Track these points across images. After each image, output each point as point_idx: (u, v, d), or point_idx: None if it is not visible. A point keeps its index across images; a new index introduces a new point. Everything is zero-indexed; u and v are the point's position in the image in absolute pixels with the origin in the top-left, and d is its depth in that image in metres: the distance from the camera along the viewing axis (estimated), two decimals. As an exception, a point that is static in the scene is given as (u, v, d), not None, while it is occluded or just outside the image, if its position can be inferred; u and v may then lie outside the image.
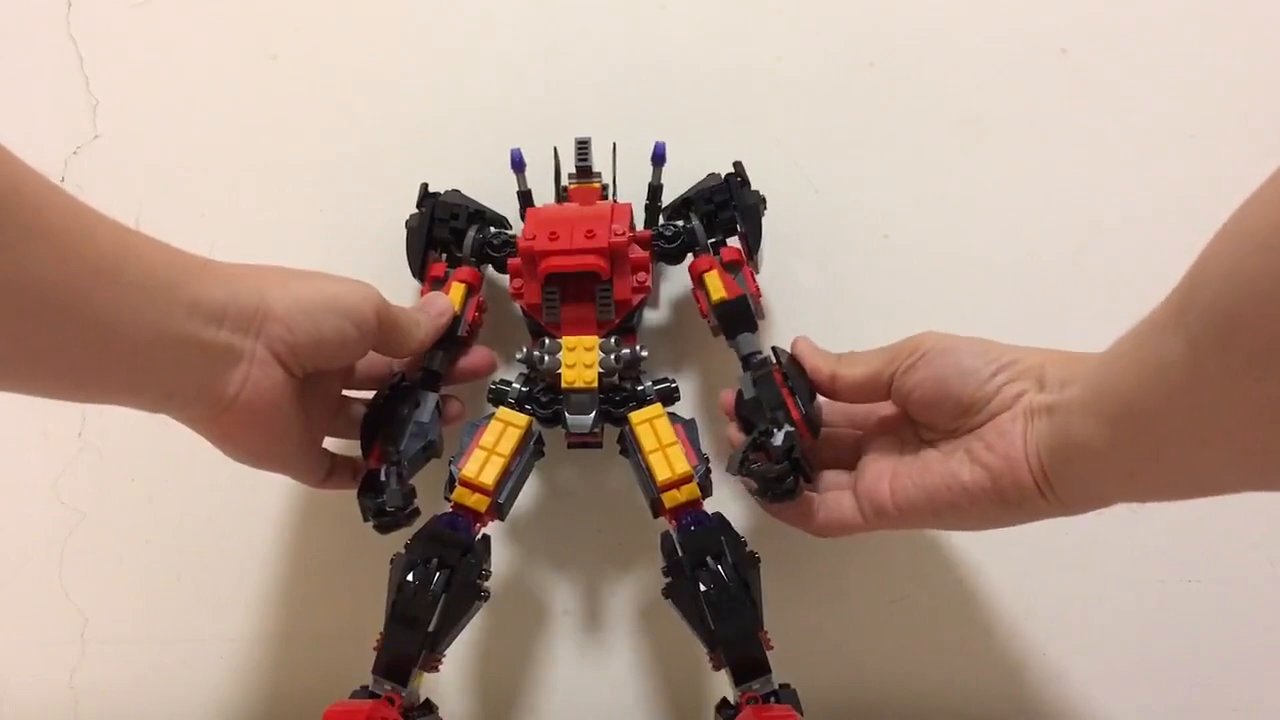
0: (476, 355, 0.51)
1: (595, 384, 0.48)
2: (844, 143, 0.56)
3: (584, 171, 0.50)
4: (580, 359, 0.48)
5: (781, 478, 0.43)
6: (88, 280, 0.33)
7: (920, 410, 0.44)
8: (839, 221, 0.56)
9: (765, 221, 0.52)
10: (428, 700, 0.48)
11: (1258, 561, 0.56)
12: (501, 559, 0.56)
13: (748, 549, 0.45)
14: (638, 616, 0.58)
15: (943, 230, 0.56)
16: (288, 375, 0.41)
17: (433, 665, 0.45)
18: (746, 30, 0.56)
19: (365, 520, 0.46)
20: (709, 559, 0.43)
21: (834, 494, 0.47)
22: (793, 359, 0.48)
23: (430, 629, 0.43)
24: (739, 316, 0.48)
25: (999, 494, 0.40)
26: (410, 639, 0.43)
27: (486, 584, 0.46)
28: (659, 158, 0.50)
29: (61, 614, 0.60)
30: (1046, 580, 0.57)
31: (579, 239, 0.46)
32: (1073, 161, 0.55)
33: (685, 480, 0.45)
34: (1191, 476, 0.34)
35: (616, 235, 0.47)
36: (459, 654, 0.57)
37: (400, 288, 0.54)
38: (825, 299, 0.56)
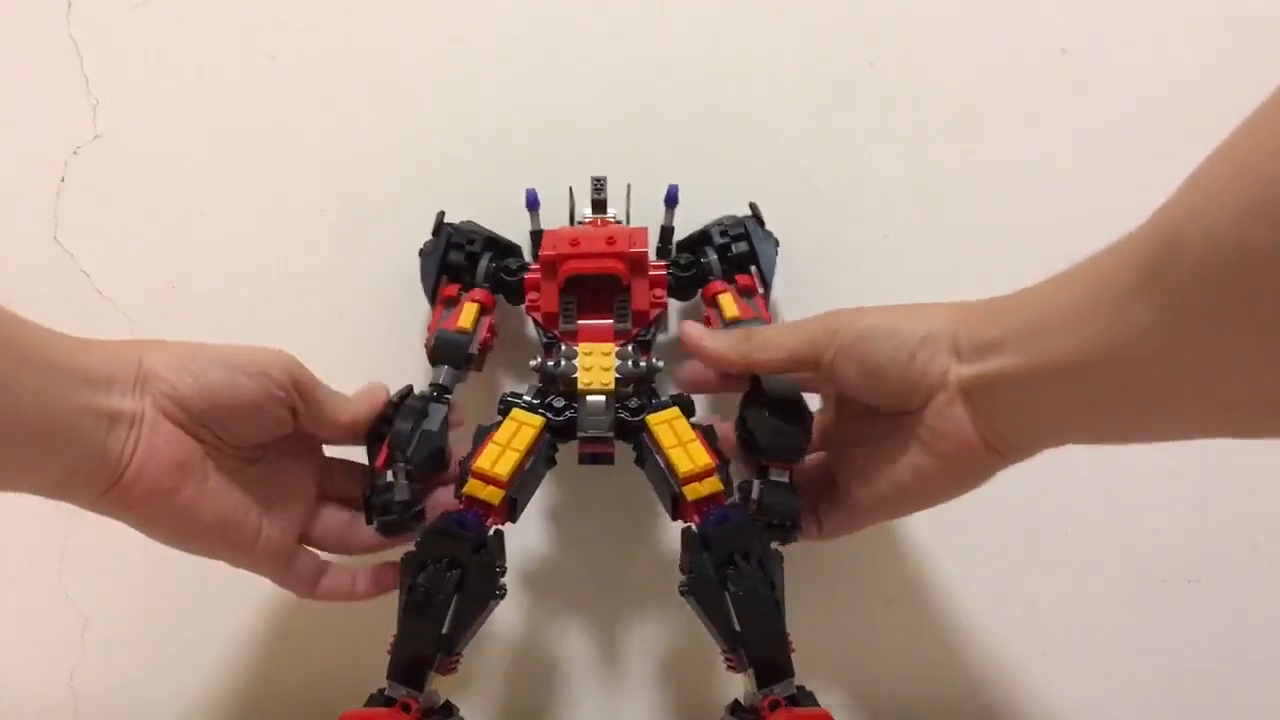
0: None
1: (612, 386, 0.47)
2: (844, 143, 0.56)
3: (599, 206, 0.50)
4: (598, 362, 0.48)
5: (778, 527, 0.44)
6: None
7: (860, 398, 0.43)
8: (839, 221, 0.56)
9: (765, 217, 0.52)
10: (447, 702, 0.47)
11: (1258, 561, 0.56)
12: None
13: (772, 545, 0.45)
14: (643, 639, 0.58)
15: (943, 230, 0.56)
16: (186, 435, 0.40)
17: (450, 667, 0.44)
18: (746, 30, 0.56)
19: (369, 522, 0.46)
20: (736, 557, 0.42)
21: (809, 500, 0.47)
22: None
23: (444, 631, 0.43)
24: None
25: (961, 475, 0.40)
26: (423, 643, 0.43)
27: (502, 580, 0.45)
28: (671, 200, 0.50)
29: (61, 614, 0.59)
30: (1046, 580, 0.57)
31: (600, 245, 0.47)
32: (1073, 161, 0.55)
33: (708, 472, 0.44)
34: (1156, 428, 0.35)
35: (635, 247, 0.47)
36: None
37: (404, 288, 0.54)
38: (825, 299, 0.56)
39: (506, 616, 0.58)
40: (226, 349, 0.41)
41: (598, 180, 0.50)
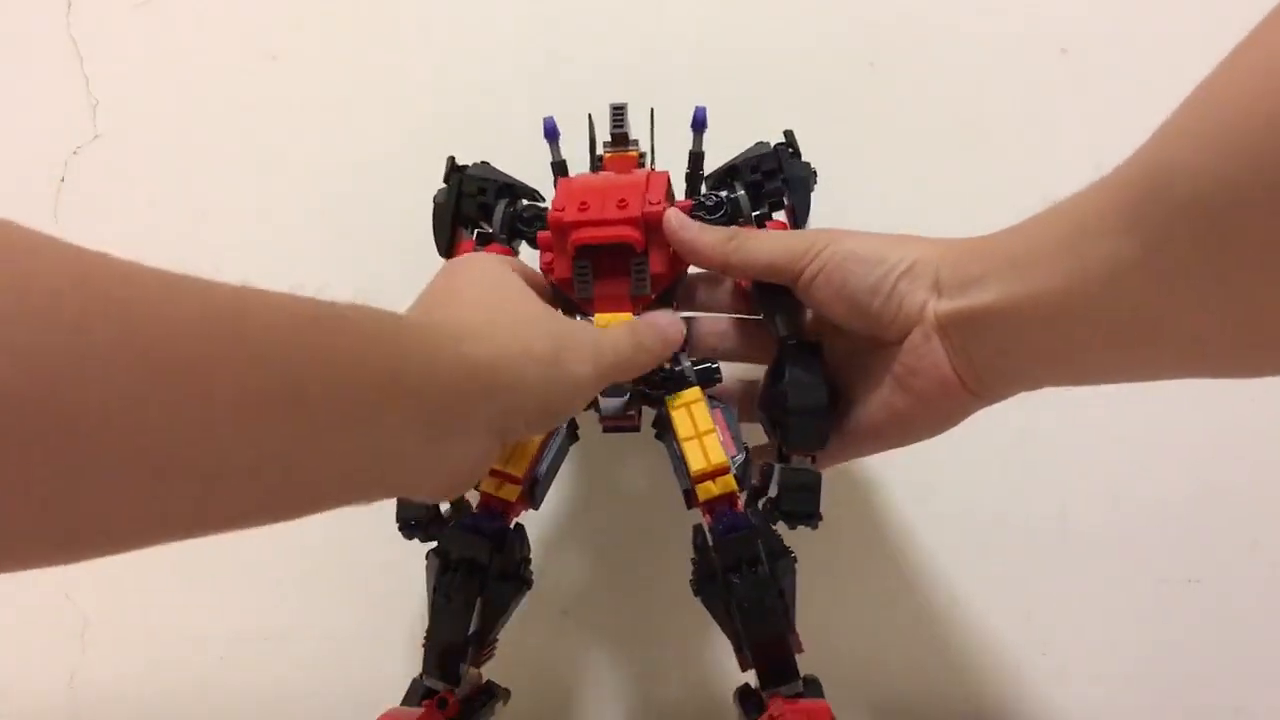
0: None
1: None
2: (844, 143, 0.56)
3: (619, 139, 0.47)
4: None
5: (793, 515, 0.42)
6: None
7: (836, 322, 0.42)
8: (839, 221, 0.56)
9: None
10: (489, 682, 0.46)
11: (1258, 561, 0.56)
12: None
13: (785, 548, 0.43)
14: (661, 609, 0.58)
15: (943, 230, 0.56)
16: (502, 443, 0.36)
17: (484, 657, 0.44)
18: (746, 30, 0.56)
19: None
20: (744, 565, 0.41)
21: None
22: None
23: (470, 630, 0.42)
24: (776, 295, 0.44)
25: (936, 414, 0.39)
26: (452, 642, 0.42)
27: (529, 569, 0.45)
28: (699, 123, 0.46)
29: (61, 614, 0.59)
30: (1046, 580, 0.57)
31: (610, 209, 0.43)
32: (1073, 162, 0.55)
33: (721, 471, 0.42)
34: (1133, 368, 0.35)
35: (651, 204, 0.43)
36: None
37: (406, 288, 0.54)
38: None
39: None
40: (553, 400, 0.36)
41: (617, 109, 0.46)
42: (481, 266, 0.40)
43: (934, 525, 0.57)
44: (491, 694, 0.46)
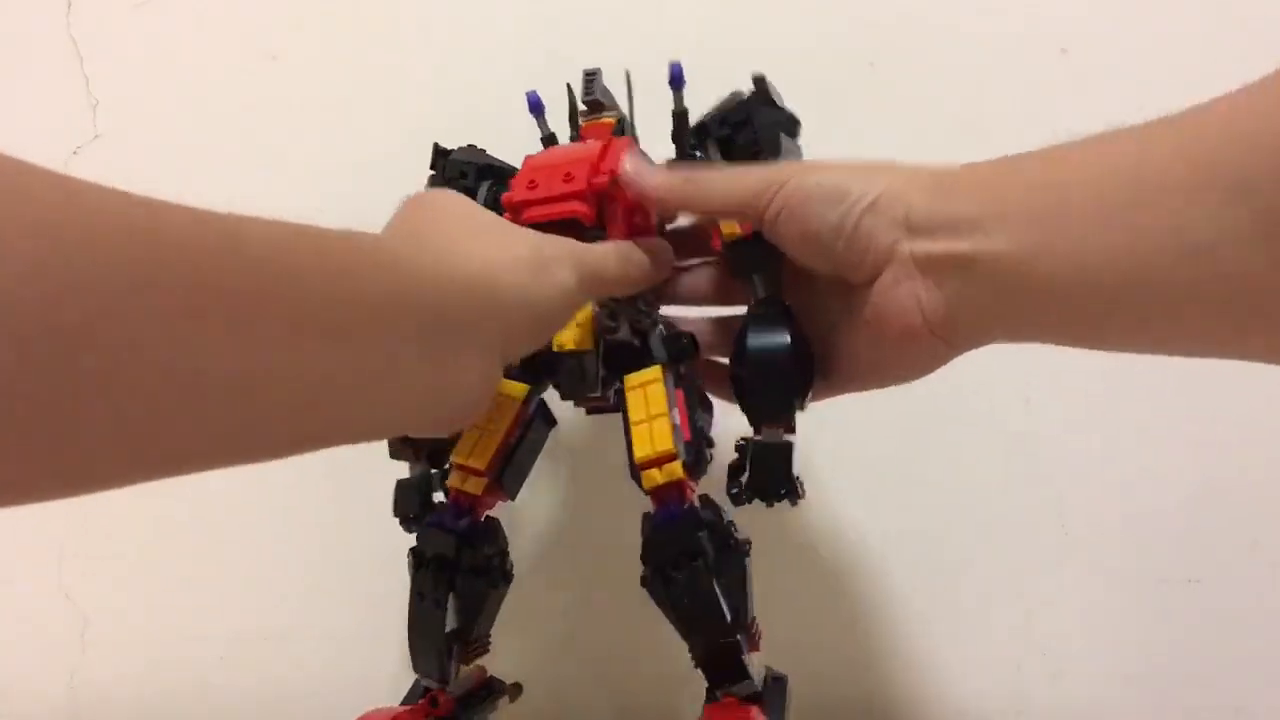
0: None
1: (589, 345, 0.42)
2: (844, 143, 0.56)
3: (593, 106, 0.45)
4: (585, 314, 0.42)
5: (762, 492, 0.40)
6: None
7: (804, 265, 0.39)
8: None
9: None
10: (492, 678, 0.46)
11: (1258, 561, 0.56)
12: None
13: (735, 536, 0.40)
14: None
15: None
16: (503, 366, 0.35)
17: (473, 653, 0.43)
18: (746, 30, 0.56)
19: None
20: (682, 560, 0.38)
21: None
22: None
23: (450, 629, 0.42)
24: (750, 255, 0.41)
25: (905, 361, 0.37)
26: (430, 641, 0.42)
27: (508, 563, 0.44)
28: (676, 80, 0.43)
29: (61, 614, 0.59)
30: (1046, 580, 0.57)
31: (557, 184, 0.41)
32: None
33: (667, 458, 0.39)
34: (1179, 341, 0.31)
35: (599, 175, 0.40)
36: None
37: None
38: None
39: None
40: (566, 283, 0.35)
41: (588, 75, 0.44)
42: (448, 195, 0.39)
43: (934, 524, 0.57)
44: (492, 690, 0.45)
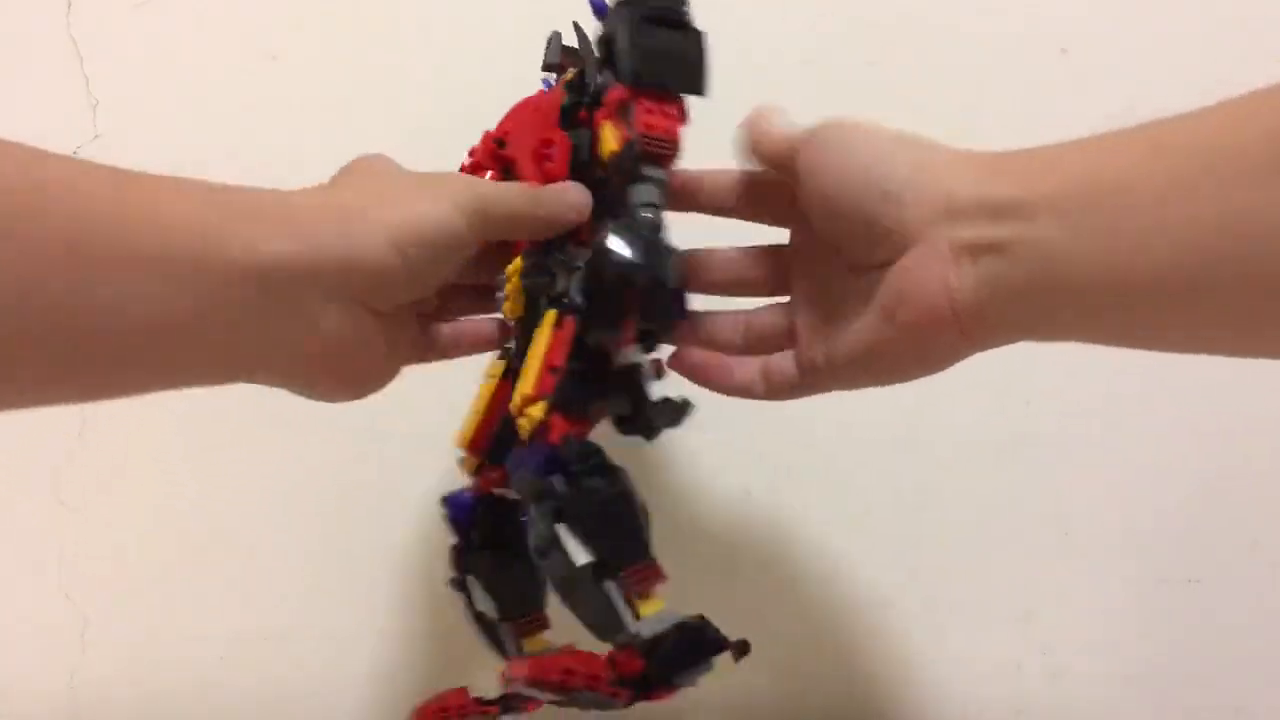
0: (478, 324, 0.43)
1: (520, 313, 0.41)
2: (844, 143, 0.56)
3: (550, 68, 0.45)
4: (514, 285, 0.42)
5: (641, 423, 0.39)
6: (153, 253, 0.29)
7: (821, 235, 0.37)
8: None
9: None
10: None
11: (1258, 561, 0.56)
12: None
13: (598, 479, 0.36)
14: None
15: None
16: (374, 315, 0.36)
17: (527, 630, 0.43)
18: (746, 30, 0.56)
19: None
20: (534, 501, 0.36)
21: (755, 356, 0.40)
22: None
23: (492, 619, 0.43)
24: (624, 168, 0.39)
25: (922, 352, 0.34)
26: (487, 636, 0.44)
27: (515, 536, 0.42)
28: (599, 8, 0.42)
29: (61, 614, 0.59)
30: (1046, 580, 0.57)
31: (479, 146, 0.44)
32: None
33: (529, 401, 0.37)
34: (1221, 342, 0.29)
35: (489, 141, 0.43)
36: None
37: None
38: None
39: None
40: (423, 218, 0.36)
41: (547, 40, 0.44)
42: (372, 155, 0.40)
43: (934, 524, 0.57)
44: None
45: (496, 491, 0.44)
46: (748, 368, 0.40)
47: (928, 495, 0.57)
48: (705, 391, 0.55)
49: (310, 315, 0.33)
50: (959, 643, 0.57)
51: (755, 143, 0.39)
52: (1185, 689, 0.57)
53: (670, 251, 0.38)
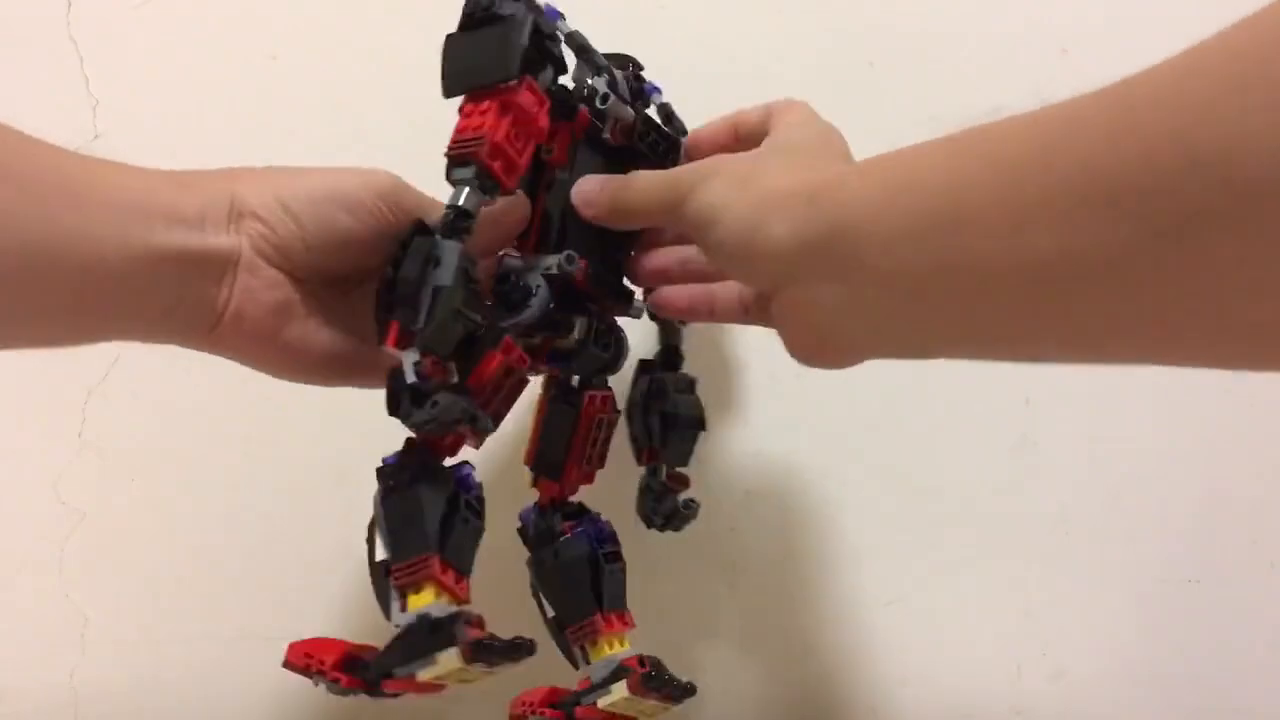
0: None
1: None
2: (844, 143, 0.56)
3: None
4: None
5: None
6: (52, 208, 0.31)
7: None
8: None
9: None
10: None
11: (1258, 561, 0.56)
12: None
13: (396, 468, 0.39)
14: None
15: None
16: (284, 276, 0.38)
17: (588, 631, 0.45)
18: (745, 30, 0.56)
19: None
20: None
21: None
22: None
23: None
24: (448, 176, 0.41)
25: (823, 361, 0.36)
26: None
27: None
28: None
29: (61, 614, 0.59)
30: (1046, 580, 0.57)
31: None
32: (1073, 161, 0.55)
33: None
34: (1110, 349, 0.30)
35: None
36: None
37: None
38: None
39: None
40: (320, 178, 0.39)
41: None
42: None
43: (934, 525, 0.57)
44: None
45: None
46: (730, 291, 0.42)
47: (927, 495, 0.57)
48: (705, 394, 0.55)
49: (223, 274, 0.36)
50: (959, 643, 0.57)
51: (621, 208, 0.41)
52: (1185, 689, 0.57)
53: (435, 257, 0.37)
